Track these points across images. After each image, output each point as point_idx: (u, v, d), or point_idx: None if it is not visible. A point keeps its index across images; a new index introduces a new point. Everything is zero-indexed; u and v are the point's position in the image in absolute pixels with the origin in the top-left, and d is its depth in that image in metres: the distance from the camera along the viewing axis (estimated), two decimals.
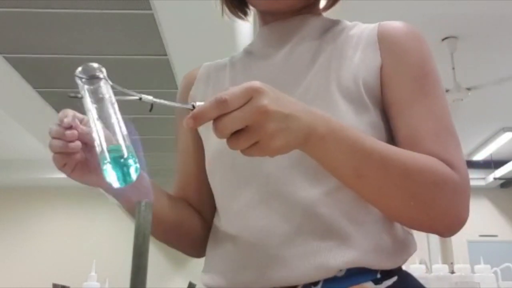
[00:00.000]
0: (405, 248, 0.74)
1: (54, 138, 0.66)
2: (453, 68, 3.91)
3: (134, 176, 0.49)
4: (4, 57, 3.16)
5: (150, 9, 2.63)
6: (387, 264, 0.70)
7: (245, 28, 2.91)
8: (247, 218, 0.74)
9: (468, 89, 3.99)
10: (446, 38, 3.85)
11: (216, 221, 0.82)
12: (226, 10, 0.89)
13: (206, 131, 0.83)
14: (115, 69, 3.27)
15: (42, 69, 3.34)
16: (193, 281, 0.51)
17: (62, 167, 0.68)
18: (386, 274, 0.70)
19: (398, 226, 0.74)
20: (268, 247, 0.71)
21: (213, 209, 0.84)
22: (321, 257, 0.68)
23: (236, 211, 0.76)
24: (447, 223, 0.68)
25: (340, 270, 0.68)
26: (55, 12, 2.71)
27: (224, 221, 0.79)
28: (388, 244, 0.71)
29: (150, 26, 2.79)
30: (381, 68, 0.75)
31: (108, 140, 0.50)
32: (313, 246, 0.69)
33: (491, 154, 6.33)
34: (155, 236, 0.83)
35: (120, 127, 0.51)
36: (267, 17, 0.86)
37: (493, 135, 5.95)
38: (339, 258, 0.68)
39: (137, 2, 2.61)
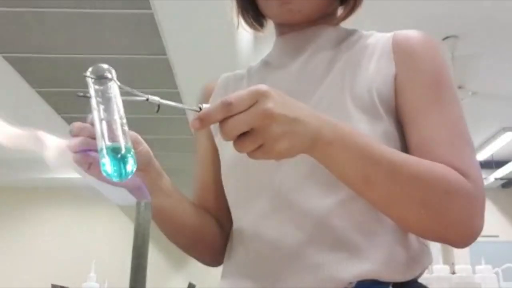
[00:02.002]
0: (420, 260, 0.72)
1: (75, 135, 0.64)
2: (453, 68, 3.91)
3: (130, 171, 0.50)
4: (4, 57, 3.16)
5: (150, 9, 2.63)
6: (399, 277, 0.69)
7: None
8: (259, 228, 0.74)
9: (468, 89, 3.99)
10: (446, 37, 3.85)
11: (233, 228, 0.83)
12: (242, 22, 0.89)
13: (222, 142, 0.83)
14: (115, 69, 3.24)
15: (42, 69, 3.34)
16: (193, 281, 0.51)
17: (85, 165, 0.64)
18: (399, 286, 0.69)
19: (413, 237, 0.72)
20: (278, 258, 0.71)
21: (231, 217, 0.84)
22: (331, 269, 0.67)
23: (248, 221, 0.76)
24: (460, 233, 0.66)
25: (350, 283, 0.67)
26: (55, 12, 2.71)
27: (237, 230, 0.80)
28: (402, 256, 0.70)
29: (150, 26, 2.78)
30: (395, 77, 0.75)
31: (110, 138, 0.51)
32: (323, 257, 0.68)
33: (492, 154, 6.31)
34: (174, 241, 0.84)
35: (122, 125, 0.53)
36: (283, 28, 0.86)
37: (494, 135, 5.94)
38: (349, 271, 0.67)
39: (137, 2, 2.60)
